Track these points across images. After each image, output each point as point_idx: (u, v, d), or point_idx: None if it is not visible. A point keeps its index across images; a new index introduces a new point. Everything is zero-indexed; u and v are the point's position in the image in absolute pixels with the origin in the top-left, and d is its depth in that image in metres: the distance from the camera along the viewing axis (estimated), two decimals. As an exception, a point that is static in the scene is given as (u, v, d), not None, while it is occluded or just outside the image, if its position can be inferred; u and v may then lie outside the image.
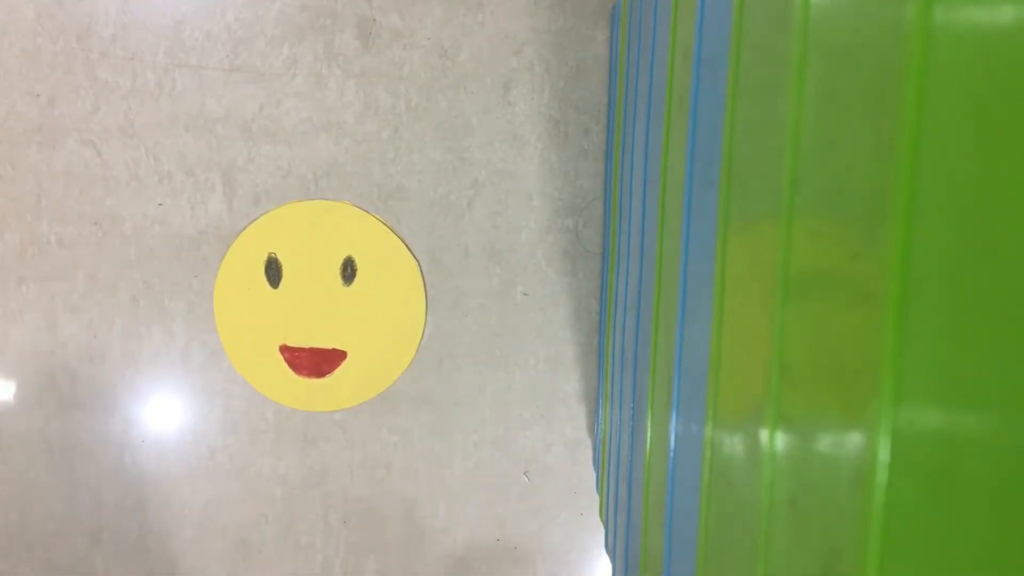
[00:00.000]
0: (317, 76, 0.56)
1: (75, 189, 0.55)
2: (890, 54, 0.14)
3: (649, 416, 0.36)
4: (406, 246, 0.57)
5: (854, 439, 0.15)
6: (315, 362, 0.58)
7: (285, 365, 0.58)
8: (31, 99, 0.54)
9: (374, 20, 0.56)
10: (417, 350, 0.57)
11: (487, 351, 0.58)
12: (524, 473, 0.59)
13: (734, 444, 0.24)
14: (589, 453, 0.60)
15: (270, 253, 0.56)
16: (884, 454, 0.14)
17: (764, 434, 0.20)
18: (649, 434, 0.36)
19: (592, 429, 0.60)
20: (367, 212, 0.57)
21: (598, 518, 0.58)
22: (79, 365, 0.57)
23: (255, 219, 0.56)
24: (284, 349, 0.57)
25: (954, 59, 0.13)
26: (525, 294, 0.58)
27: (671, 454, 0.31)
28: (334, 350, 0.58)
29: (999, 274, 0.14)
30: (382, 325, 0.57)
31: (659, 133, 0.35)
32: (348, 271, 0.56)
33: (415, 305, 0.57)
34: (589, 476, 0.60)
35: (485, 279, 0.58)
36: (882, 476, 0.14)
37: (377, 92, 0.56)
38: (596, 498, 0.59)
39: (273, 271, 0.56)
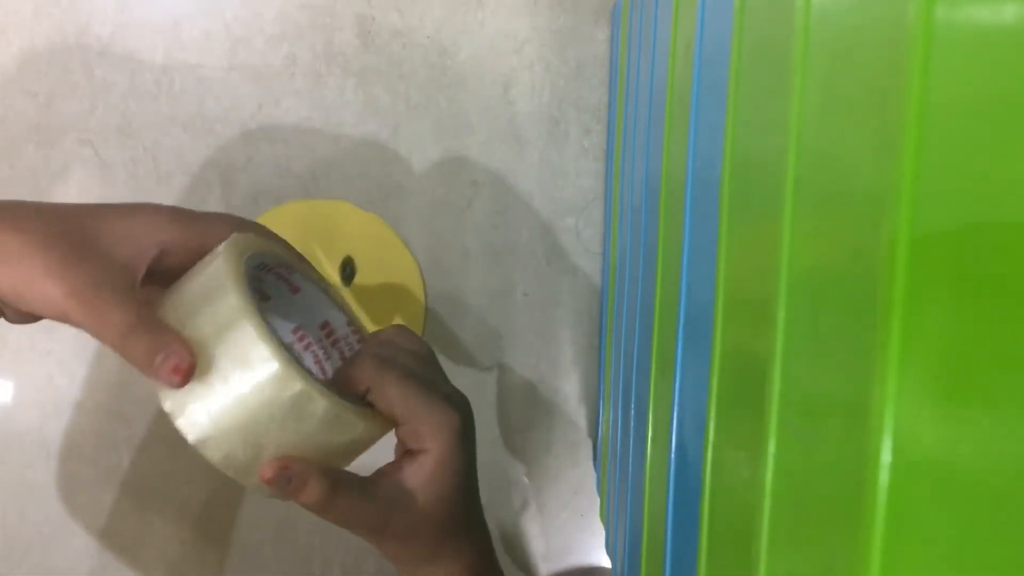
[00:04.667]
0: (316, 75, 0.56)
1: (73, 189, 0.55)
2: (892, 53, 0.14)
3: (650, 417, 0.36)
4: (406, 246, 0.57)
5: (856, 440, 0.15)
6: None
7: (284, 365, 0.57)
8: (29, 98, 0.54)
9: (373, 19, 0.56)
10: (417, 350, 0.57)
11: (487, 351, 0.58)
12: (524, 473, 0.59)
13: (735, 445, 0.23)
14: (590, 454, 0.60)
15: (269, 253, 0.56)
16: (886, 455, 0.14)
17: (766, 434, 0.20)
18: (650, 435, 0.36)
19: (592, 430, 0.60)
20: (366, 212, 0.56)
21: (599, 519, 0.58)
22: (77, 365, 0.57)
23: (254, 219, 0.56)
24: (283, 349, 0.57)
25: (956, 58, 0.13)
26: (525, 294, 0.58)
27: (672, 455, 0.30)
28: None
29: (1003, 273, 0.13)
30: (382, 325, 0.57)
31: (659, 133, 0.35)
32: (347, 271, 0.56)
33: (415, 305, 0.57)
34: (590, 477, 0.60)
35: (485, 279, 0.58)
36: (884, 477, 0.14)
37: (376, 91, 0.56)
38: (597, 499, 0.59)
39: (272, 271, 0.56)
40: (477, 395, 0.58)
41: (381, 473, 0.34)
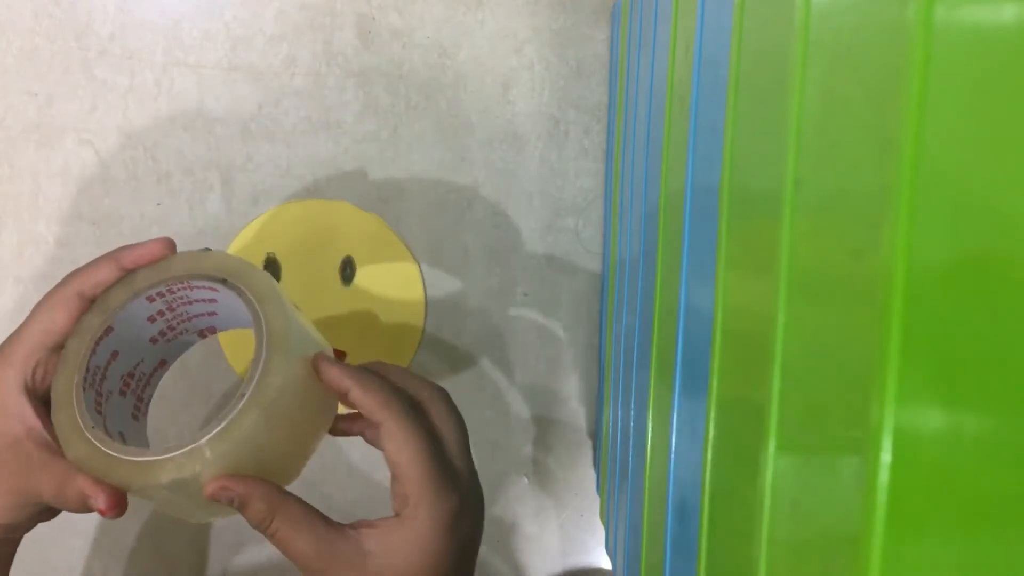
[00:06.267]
0: (316, 75, 0.56)
1: (73, 188, 0.55)
2: (892, 53, 0.14)
3: (649, 417, 0.35)
4: (406, 246, 0.57)
5: (856, 439, 0.15)
6: (314, 362, 0.57)
7: (284, 365, 0.57)
8: (29, 98, 0.54)
9: (373, 19, 0.56)
10: (417, 350, 0.57)
11: (487, 351, 0.58)
12: (524, 473, 0.59)
13: (735, 445, 0.23)
14: (590, 454, 0.60)
15: (268, 253, 0.56)
16: (886, 455, 0.14)
17: (765, 434, 0.20)
18: (649, 435, 0.35)
19: (593, 430, 0.60)
20: (366, 212, 0.56)
21: (599, 519, 0.58)
22: (78, 365, 0.57)
23: (253, 219, 0.56)
24: (283, 349, 0.57)
25: (956, 58, 0.13)
26: (525, 294, 0.58)
27: (672, 455, 0.30)
28: (333, 350, 0.57)
29: (1003, 272, 0.13)
30: (382, 325, 0.57)
31: (659, 133, 0.35)
32: (347, 271, 0.56)
33: (415, 305, 0.57)
34: (590, 477, 0.60)
35: (485, 279, 0.58)
36: (884, 477, 0.14)
37: (376, 91, 0.56)
38: (597, 499, 0.59)
39: (271, 271, 0.56)
40: (477, 395, 0.58)
41: (358, 523, 0.31)
